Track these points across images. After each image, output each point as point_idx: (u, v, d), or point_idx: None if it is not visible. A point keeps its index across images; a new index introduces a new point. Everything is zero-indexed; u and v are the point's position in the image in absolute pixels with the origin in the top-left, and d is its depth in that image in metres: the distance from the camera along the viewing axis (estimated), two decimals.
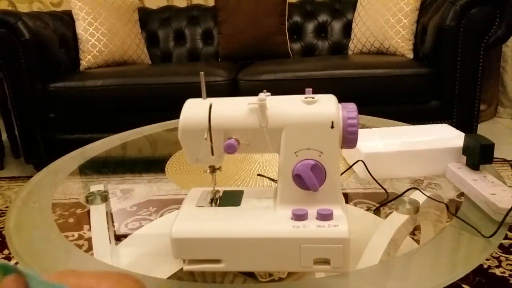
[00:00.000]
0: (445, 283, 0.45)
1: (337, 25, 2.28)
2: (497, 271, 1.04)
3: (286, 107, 0.47)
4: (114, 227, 0.77)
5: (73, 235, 0.66)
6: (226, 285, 0.57)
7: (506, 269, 1.05)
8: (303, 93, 0.49)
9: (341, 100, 0.48)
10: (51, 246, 0.57)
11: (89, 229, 0.70)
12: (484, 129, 2.29)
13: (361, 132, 0.81)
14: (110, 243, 0.67)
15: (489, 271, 1.05)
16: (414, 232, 0.64)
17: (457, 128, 0.81)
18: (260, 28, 2.16)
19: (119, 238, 0.75)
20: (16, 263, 0.45)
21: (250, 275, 0.59)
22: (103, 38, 2.07)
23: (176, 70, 1.88)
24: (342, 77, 1.71)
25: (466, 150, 0.69)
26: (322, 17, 2.29)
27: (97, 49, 2.06)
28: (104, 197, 0.74)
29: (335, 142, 0.47)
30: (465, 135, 0.70)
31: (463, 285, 0.99)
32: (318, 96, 0.48)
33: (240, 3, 2.17)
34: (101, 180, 0.86)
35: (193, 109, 0.49)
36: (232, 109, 0.48)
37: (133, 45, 2.18)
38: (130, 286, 0.26)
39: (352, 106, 0.48)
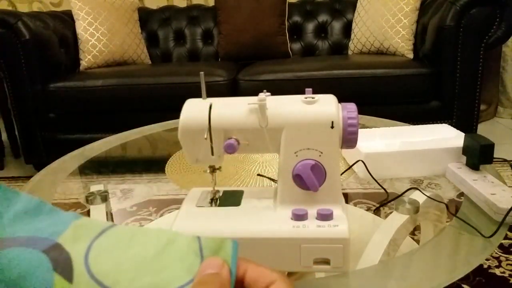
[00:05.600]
0: (445, 283, 0.45)
1: (337, 25, 2.28)
2: (497, 271, 1.04)
3: (286, 107, 0.47)
4: None
5: None
6: None
7: (506, 269, 1.05)
8: (303, 93, 0.49)
9: (341, 100, 0.48)
10: None
11: None
12: (484, 129, 2.29)
13: (361, 132, 0.81)
14: None
15: (489, 271, 1.05)
16: (414, 232, 0.64)
17: (457, 128, 0.81)
18: (260, 28, 2.16)
19: None
20: None
21: None
22: (103, 38, 2.07)
23: (176, 70, 1.88)
24: (342, 77, 1.71)
25: (466, 150, 0.69)
26: (322, 17, 2.29)
27: (97, 49, 2.06)
28: (104, 197, 0.74)
29: (335, 142, 0.47)
30: (465, 135, 0.70)
31: (463, 285, 0.99)
32: (318, 96, 0.48)
33: (240, 3, 2.17)
34: (101, 180, 0.86)
35: (193, 109, 0.49)
36: (232, 109, 0.48)
37: (133, 45, 2.18)
38: None
39: (352, 106, 0.47)
